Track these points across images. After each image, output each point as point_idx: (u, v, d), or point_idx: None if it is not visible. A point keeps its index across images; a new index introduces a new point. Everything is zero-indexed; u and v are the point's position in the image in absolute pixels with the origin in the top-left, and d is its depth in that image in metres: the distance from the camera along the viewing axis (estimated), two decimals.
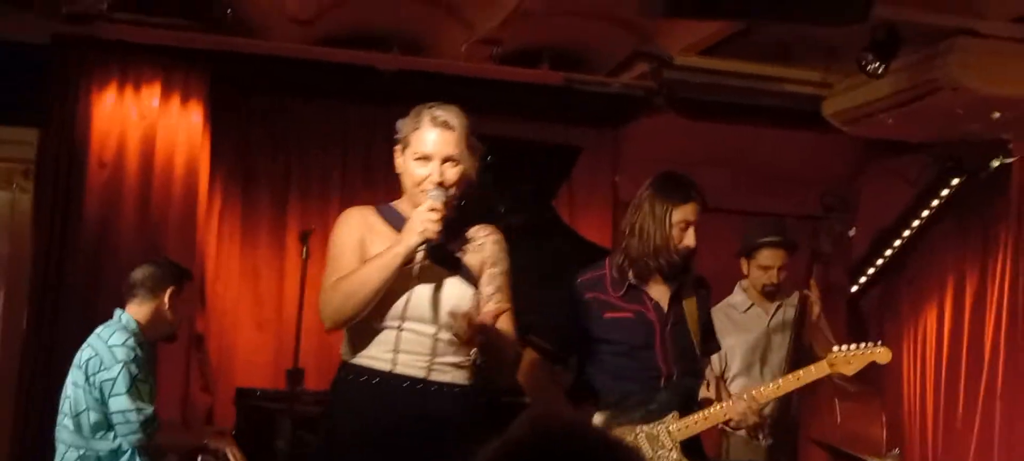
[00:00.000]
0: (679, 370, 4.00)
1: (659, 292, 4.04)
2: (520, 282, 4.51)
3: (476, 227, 3.61)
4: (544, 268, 5.30)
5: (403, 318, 3.39)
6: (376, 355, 3.44)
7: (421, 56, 7.08)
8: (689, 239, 3.96)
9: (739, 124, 7.76)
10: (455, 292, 3.41)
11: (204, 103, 6.97)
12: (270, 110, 7.50)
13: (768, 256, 5.61)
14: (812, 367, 4.15)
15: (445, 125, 3.44)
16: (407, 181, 3.52)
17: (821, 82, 7.19)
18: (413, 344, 3.40)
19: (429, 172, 3.43)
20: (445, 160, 3.42)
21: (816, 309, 5.44)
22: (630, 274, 3.99)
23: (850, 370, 4.10)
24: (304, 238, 6.08)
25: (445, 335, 3.39)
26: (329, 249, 3.58)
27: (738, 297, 5.77)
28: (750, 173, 7.91)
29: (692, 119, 7.66)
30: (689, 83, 7.35)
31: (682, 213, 3.95)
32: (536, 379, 4.05)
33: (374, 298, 3.32)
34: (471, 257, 3.51)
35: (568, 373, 4.18)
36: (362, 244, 3.48)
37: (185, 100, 6.90)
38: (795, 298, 5.59)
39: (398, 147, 3.56)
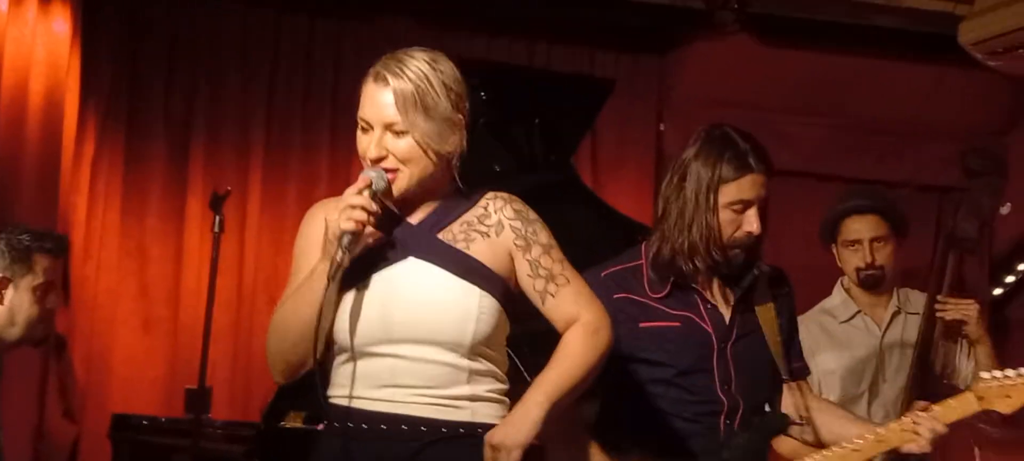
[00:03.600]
0: (749, 401, 3.98)
1: (718, 293, 4.02)
2: None
3: (483, 195, 3.62)
4: None
5: (374, 340, 3.42)
6: (346, 393, 3.49)
7: None
8: (749, 224, 3.89)
9: (839, 53, 7.73)
10: (446, 295, 3.44)
11: (72, 4, 6.93)
12: (168, 16, 7.46)
13: (854, 226, 5.63)
14: (953, 401, 4.13)
15: (382, 79, 3.48)
16: None
17: None
18: (394, 372, 3.44)
19: (365, 146, 3.47)
20: (388, 128, 3.46)
21: (952, 316, 5.43)
22: (674, 268, 3.98)
23: (1008, 407, 4.07)
24: (216, 203, 6.03)
25: (442, 355, 3.43)
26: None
27: (837, 300, 5.76)
28: (855, 123, 7.91)
29: (772, 45, 7.63)
30: None
31: (736, 190, 3.88)
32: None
33: (316, 334, 3.38)
34: (481, 244, 3.53)
35: (591, 405, 4.17)
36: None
37: None
38: (920, 303, 5.59)
39: None
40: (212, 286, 5.90)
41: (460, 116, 3.48)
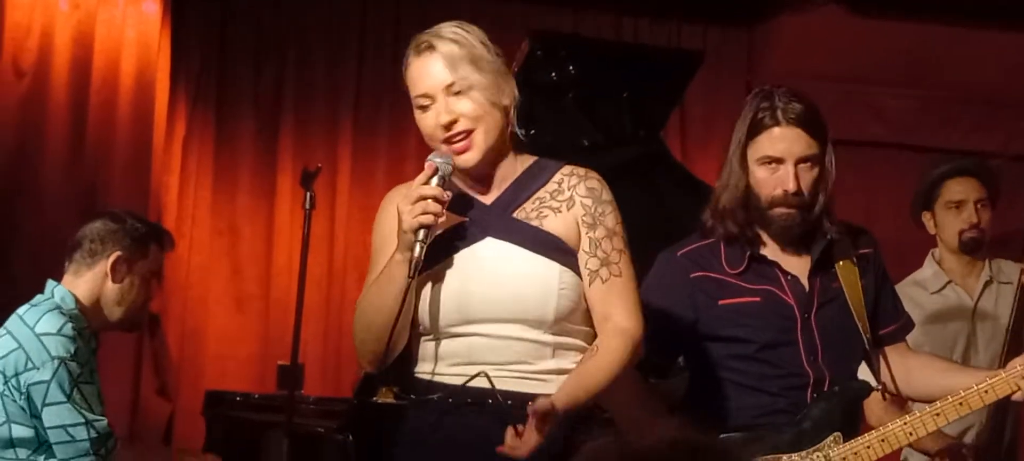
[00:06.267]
0: (835, 371, 3.94)
1: (796, 262, 3.94)
2: None
3: (558, 170, 3.60)
4: (646, 229, 5.28)
5: (457, 321, 3.44)
6: (430, 370, 3.52)
7: None
8: (782, 182, 3.79)
9: (930, 22, 7.67)
10: (527, 272, 3.43)
11: None
12: None
13: (957, 187, 5.61)
14: None
15: (425, 48, 3.45)
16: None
17: None
18: (479, 350, 3.45)
19: (431, 122, 3.46)
20: (448, 91, 3.44)
21: None
22: (747, 240, 3.93)
23: None
24: (306, 180, 6.04)
25: (526, 332, 3.43)
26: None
27: (928, 271, 5.72)
28: (946, 94, 7.85)
29: (862, 15, 7.58)
30: None
31: (765, 144, 3.77)
32: (621, 391, 4.00)
33: (395, 325, 3.39)
34: (553, 220, 3.52)
35: (679, 381, 4.16)
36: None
37: None
38: (1013, 272, 5.55)
39: None
40: (304, 263, 5.92)
41: (507, 66, 3.49)
